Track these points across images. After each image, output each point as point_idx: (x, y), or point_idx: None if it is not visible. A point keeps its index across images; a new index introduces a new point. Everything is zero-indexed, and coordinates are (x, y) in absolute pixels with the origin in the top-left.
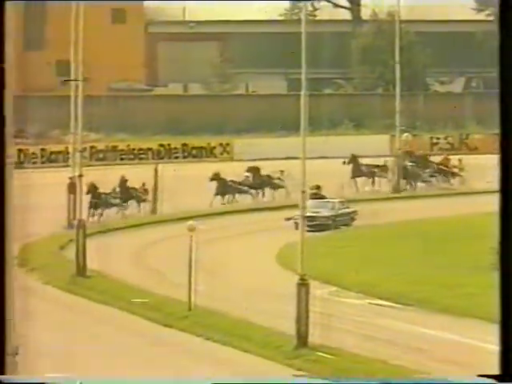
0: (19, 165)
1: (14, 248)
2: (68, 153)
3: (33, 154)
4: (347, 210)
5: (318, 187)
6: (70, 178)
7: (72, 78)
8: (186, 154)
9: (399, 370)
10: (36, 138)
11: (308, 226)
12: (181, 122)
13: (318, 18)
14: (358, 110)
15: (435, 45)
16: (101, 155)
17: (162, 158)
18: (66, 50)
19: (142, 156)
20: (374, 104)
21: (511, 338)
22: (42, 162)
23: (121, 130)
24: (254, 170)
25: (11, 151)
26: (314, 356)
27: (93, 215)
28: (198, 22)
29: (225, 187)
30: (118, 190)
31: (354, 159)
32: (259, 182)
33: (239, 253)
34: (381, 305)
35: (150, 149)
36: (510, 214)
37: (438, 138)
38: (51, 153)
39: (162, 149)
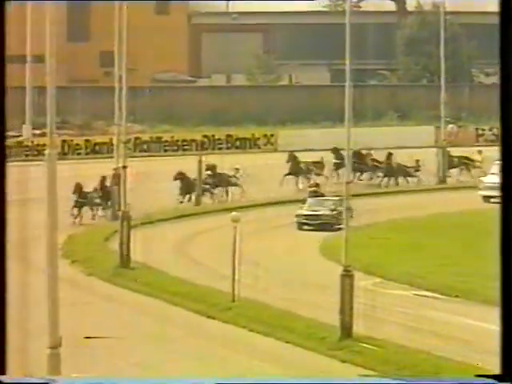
0: (63, 156)
1: (58, 239)
2: (112, 144)
3: (77, 145)
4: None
5: (317, 185)
6: (115, 169)
7: (116, 69)
8: (229, 145)
9: (443, 361)
10: (80, 129)
11: (309, 224)
12: (224, 113)
13: (362, 9)
14: (402, 101)
15: (480, 36)
16: (145, 146)
17: (205, 149)
18: (110, 42)
19: (186, 147)
20: (418, 95)
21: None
22: (87, 154)
23: (164, 121)
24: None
25: (56, 142)
26: (357, 347)
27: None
28: (242, 13)
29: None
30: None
31: (292, 157)
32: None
33: (282, 243)
34: (425, 296)
35: (193, 140)
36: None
37: (484, 130)
38: (95, 144)
39: (205, 140)
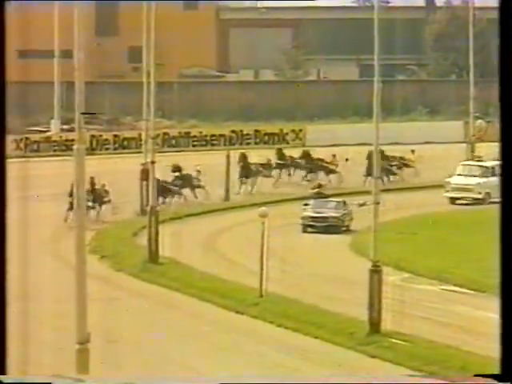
0: (91, 151)
1: (86, 235)
2: (141, 139)
3: (105, 140)
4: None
5: (320, 186)
6: (143, 165)
7: (144, 64)
8: (257, 140)
9: (472, 356)
10: (109, 124)
11: (315, 227)
12: (252, 108)
13: (391, 4)
14: (431, 97)
15: None
16: (173, 141)
17: (233, 145)
18: (138, 37)
19: (214, 142)
20: (447, 90)
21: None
22: (115, 149)
23: (193, 117)
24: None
25: (84, 137)
26: (386, 342)
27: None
28: (270, 8)
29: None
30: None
31: (243, 157)
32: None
33: (310, 238)
34: (454, 291)
35: (222, 135)
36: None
37: None
38: (124, 139)
39: (234, 135)
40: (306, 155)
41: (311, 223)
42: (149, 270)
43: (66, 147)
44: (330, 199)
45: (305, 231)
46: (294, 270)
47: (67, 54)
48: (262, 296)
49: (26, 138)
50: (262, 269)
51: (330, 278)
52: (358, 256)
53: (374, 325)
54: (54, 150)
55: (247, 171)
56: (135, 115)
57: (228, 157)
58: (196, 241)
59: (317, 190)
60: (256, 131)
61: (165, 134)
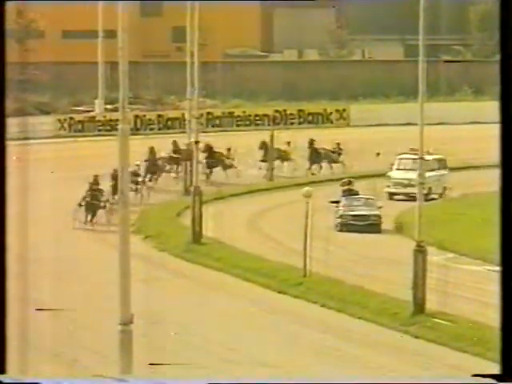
0: (135, 131)
1: (130, 216)
2: (184, 119)
3: (149, 120)
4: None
5: (350, 182)
6: (187, 145)
7: (188, 44)
8: (301, 119)
9: None
10: (152, 104)
11: (356, 225)
12: (296, 88)
13: None
14: (476, 77)
15: None
16: (217, 121)
17: (277, 124)
18: (183, 17)
19: (258, 122)
20: (492, 70)
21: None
22: (159, 129)
23: (236, 96)
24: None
25: (128, 117)
26: (430, 323)
27: None
28: None
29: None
30: None
31: (152, 151)
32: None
33: None
34: (499, 271)
35: (266, 115)
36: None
37: None
38: (168, 119)
39: (277, 115)
40: (208, 149)
41: (351, 222)
42: (192, 250)
43: (110, 127)
44: (361, 196)
45: (341, 230)
46: (337, 250)
47: (111, 35)
48: (305, 276)
49: (71, 118)
50: (305, 249)
51: (374, 258)
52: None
53: (418, 305)
54: (99, 130)
55: (153, 167)
56: (179, 95)
57: (271, 136)
58: (239, 221)
59: (347, 186)
60: (300, 111)
61: (208, 113)
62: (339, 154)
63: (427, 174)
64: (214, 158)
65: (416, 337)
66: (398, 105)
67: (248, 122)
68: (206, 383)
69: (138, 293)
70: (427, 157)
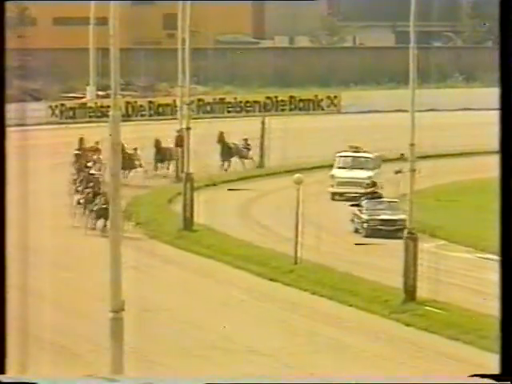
0: (127, 117)
1: (121, 203)
2: (176, 106)
3: (141, 106)
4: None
5: (375, 184)
6: (178, 131)
7: (179, 31)
8: (292, 106)
9: None
10: (144, 90)
11: (385, 231)
12: (287, 74)
13: None
14: (467, 64)
15: None
16: (208, 108)
17: (268, 111)
18: (174, 4)
19: (249, 109)
20: (483, 57)
21: (511, 337)
22: (150, 115)
23: (228, 83)
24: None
25: (119, 103)
26: (421, 310)
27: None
28: None
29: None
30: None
31: (157, 143)
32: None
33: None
34: (490, 259)
35: (256, 101)
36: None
37: None
38: (159, 105)
39: (268, 101)
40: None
41: (380, 227)
42: (183, 237)
43: (101, 114)
44: (384, 199)
45: (368, 236)
46: (328, 237)
47: (103, 21)
48: (296, 263)
49: (62, 105)
50: (296, 236)
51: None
52: None
53: (409, 292)
54: (90, 117)
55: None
56: (170, 81)
57: (263, 123)
58: (231, 207)
59: (372, 189)
60: (291, 97)
61: (200, 100)
62: (248, 150)
63: (374, 172)
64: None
65: (407, 325)
66: (389, 91)
67: (239, 109)
68: (205, 383)
69: (128, 280)
70: (369, 154)
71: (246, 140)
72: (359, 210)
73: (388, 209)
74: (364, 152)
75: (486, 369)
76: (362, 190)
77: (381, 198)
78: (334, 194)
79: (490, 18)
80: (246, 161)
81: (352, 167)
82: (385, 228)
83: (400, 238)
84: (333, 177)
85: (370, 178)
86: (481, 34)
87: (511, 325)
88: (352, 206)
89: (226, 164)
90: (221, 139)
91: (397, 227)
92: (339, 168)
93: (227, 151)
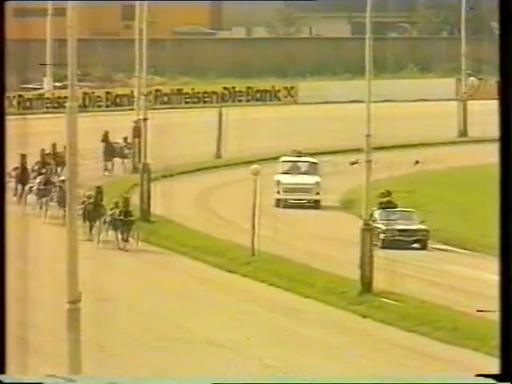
0: (84, 108)
1: (79, 194)
2: (133, 96)
3: (98, 97)
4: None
5: (389, 193)
6: (135, 122)
7: (137, 22)
8: (250, 97)
9: (464, 316)
10: (101, 81)
11: (404, 241)
12: (245, 65)
13: None
14: (422, 54)
15: None
16: (165, 99)
17: (226, 102)
18: None
19: (207, 99)
20: (438, 48)
21: (511, 337)
22: (107, 106)
23: (185, 74)
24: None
25: (77, 94)
26: (378, 302)
27: None
28: None
29: None
30: None
31: (105, 137)
32: None
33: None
34: (447, 250)
35: (214, 92)
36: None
37: None
38: (116, 96)
39: (226, 92)
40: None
41: (398, 237)
42: (140, 228)
43: (58, 104)
44: (399, 209)
45: (385, 247)
46: (285, 228)
47: (61, 12)
48: (253, 255)
49: (19, 96)
50: (253, 227)
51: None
52: None
53: (366, 284)
54: (47, 108)
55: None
56: (128, 72)
57: (220, 114)
58: (188, 198)
59: (387, 198)
60: (248, 88)
61: (157, 91)
62: (129, 149)
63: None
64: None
65: (364, 316)
66: (346, 82)
67: (196, 100)
68: (206, 382)
69: (84, 270)
70: (311, 159)
71: (125, 138)
72: (371, 221)
73: (403, 218)
74: (305, 156)
75: (442, 360)
76: (310, 197)
77: (395, 207)
78: (278, 200)
79: (444, 8)
80: (125, 160)
81: (298, 172)
82: (404, 239)
83: (421, 248)
84: (278, 183)
85: (317, 183)
86: (436, 24)
87: (511, 326)
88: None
89: (109, 164)
90: (105, 139)
91: (417, 237)
92: (284, 173)
93: (110, 151)
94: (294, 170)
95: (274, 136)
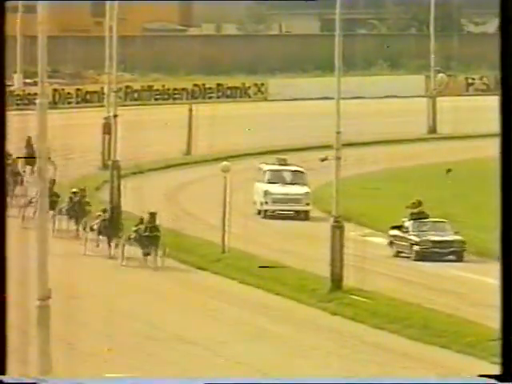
0: (54, 105)
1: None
2: (103, 93)
3: (68, 93)
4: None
5: (420, 203)
6: (105, 118)
7: (107, 18)
8: (220, 93)
9: (434, 314)
10: (71, 78)
11: (440, 253)
12: (215, 62)
13: None
14: (392, 51)
15: None
16: (136, 95)
17: (196, 98)
18: None
19: (177, 96)
20: (408, 44)
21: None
22: (77, 102)
23: (155, 71)
24: None
25: (47, 91)
26: (348, 299)
27: None
28: None
29: None
30: None
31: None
32: None
33: None
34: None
35: (184, 89)
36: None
37: (473, 79)
38: (86, 93)
39: (196, 89)
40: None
41: (433, 249)
42: None
43: (28, 101)
44: (431, 219)
45: (418, 259)
46: (257, 226)
47: (31, 9)
48: (224, 252)
49: None
50: (224, 224)
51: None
52: None
53: (336, 281)
54: (17, 104)
55: None
56: (97, 69)
57: (190, 110)
58: (157, 195)
59: (418, 209)
60: (218, 85)
61: (127, 87)
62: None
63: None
64: None
65: (334, 314)
66: (315, 79)
67: (167, 96)
68: (199, 383)
69: (54, 268)
70: (298, 168)
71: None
72: (403, 232)
73: (435, 229)
74: (289, 165)
75: (411, 358)
76: (300, 208)
77: (427, 217)
78: (265, 211)
79: (413, 5)
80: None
81: (285, 182)
82: (439, 250)
83: (457, 260)
84: (266, 193)
85: (307, 193)
86: (405, 20)
87: (511, 327)
88: (393, 228)
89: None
90: (28, 144)
91: (452, 249)
92: (270, 183)
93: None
94: (279, 179)
95: (243, 133)
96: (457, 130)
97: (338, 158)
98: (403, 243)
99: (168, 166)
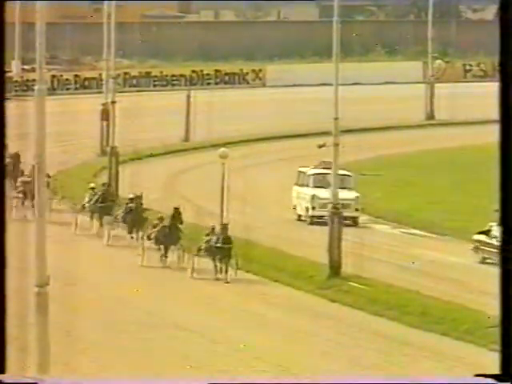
0: (52, 91)
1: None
2: (101, 79)
3: (66, 80)
4: None
5: None
6: (103, 105)
7: (105, 5)
8: (218, 80)
9: (432, 301)
10: (69, 64)
11: None
12: (213, 48)
13: None
14: (390, 37)
15: None
16: (134, 82)
17: (194, 85)
18: None
19: (175, 82)
20: (406, 31)
21: (511, 338)
22: (76, 89)
23: (153, 57)
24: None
25: (45, 77)
26: (346, 286)
27: None
28: None
29: None
30: None
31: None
32: None
33: (272, 180)
34: (414, 234)
35: (182, 75)
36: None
37: (471, 65)
38: (85, 79)
39: (194, 75)
40: None
41: None
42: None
43: (27, 87)
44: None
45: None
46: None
47: None
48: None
49: None
50: (222, 210)
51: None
52: None
53: (334, 268)
54: (16, 91)
55: None
56: (96, 55)
57: (188, 97)
58: (156, 182)
59: None
60: (216, 71)
61: (125, 73)
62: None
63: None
64: None
65: (333, 301)
66: (313, 65)
67: (165, 83)
68: (203, 383)
69: (52, 254)
70: (345, 172)
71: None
72: (491, 238)
73: None
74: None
75: (411, 346)
76: (349, 214)
77: None
78: (312, 217)
79: None
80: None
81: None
82: None
83: None
84: (313, 197)
85: (357, 198)
86: (403, 7)
87: (511, 324)
88: (479, 233)
89: None
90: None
91: None
92: (316, 187)
93: None
94: (325, 183)
95: (242, 119)
96: (454, 116)
97: (336, 145)
98: (490, 249)
99: (166, 153)
